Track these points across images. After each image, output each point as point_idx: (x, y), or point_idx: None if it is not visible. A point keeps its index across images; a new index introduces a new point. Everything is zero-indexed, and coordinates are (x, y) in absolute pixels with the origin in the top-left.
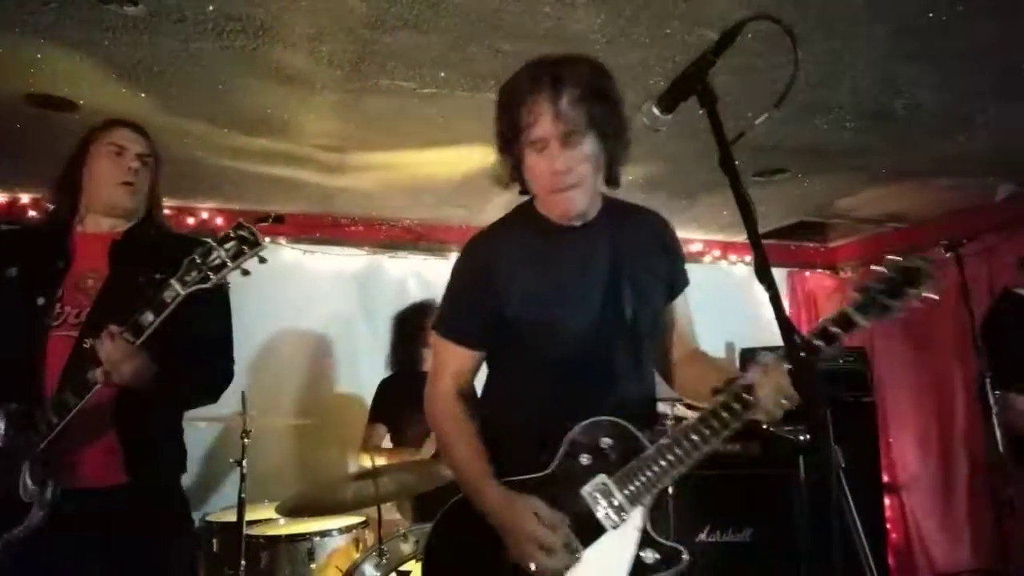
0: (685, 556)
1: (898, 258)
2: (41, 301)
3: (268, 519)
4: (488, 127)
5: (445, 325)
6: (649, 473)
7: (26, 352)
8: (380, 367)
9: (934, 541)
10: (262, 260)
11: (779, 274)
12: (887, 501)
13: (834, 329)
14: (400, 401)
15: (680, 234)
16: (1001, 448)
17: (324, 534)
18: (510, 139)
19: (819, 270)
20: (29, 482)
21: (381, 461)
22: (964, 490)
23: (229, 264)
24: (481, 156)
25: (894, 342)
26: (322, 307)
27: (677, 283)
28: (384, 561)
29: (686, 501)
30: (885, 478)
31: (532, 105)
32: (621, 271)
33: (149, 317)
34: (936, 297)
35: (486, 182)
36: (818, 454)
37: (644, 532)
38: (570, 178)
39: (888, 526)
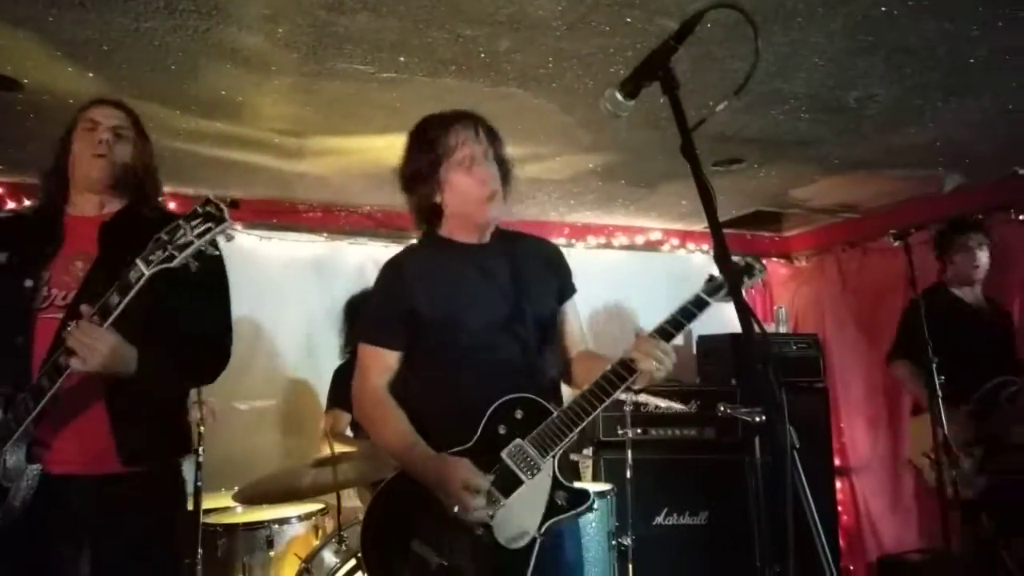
0: (591, 497)
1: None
2: (29, 284)
3: (225, 507)
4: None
5: (369, 332)
6: (555, 429)
7: (13, 335)
8: (338, 354)
9: (883, 523)
10: (229, 237)
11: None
12: (838, 484)
13: (693, 309)
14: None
15: (639, 223)
16: (945, 431)
17: (283, 522)
18: (427, 171)
19: (774, 259)
20: (8, 465)
21: (343, 448)
22: (911, 473)
23: (195, 242)
24: None
25: (846, 329)
26: (280, 294)
27: (565, 291)
28: (344, 548)
29: (643, 485)
30: (837, 462)
31: (458, 131)
32: (519, 280)
33: (115, 299)
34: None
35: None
36: (773, 434)
37: (555, 478)
38: (494, 184)
39: (839, 508)
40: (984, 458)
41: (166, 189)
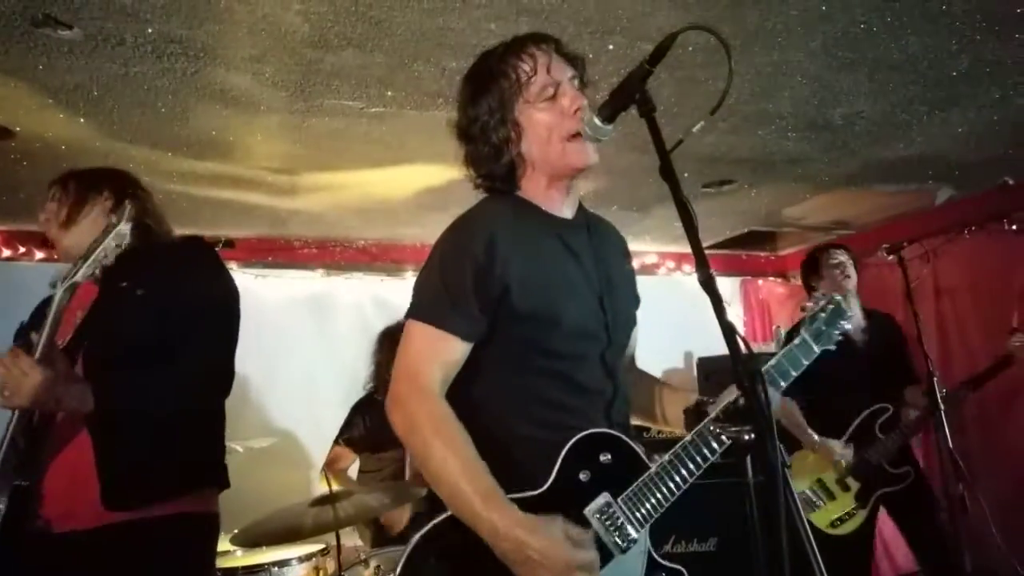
0: None
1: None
2: (35, 337)
3: (224, 551)
4: (439, 144)
5: (433, 310)
6: (658, 495)
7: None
8: (338, 390)
9: (896, 543)
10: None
11: (732, 283)
12: None
13: (802, 358)
14: (369, 427)
15: (633, 246)
16: (951, 445)
17: (283, 564)
18: (500, 109)
19: (771, 278)
20: None
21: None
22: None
23: (93, 253)
24: (432, 174)
25: None
26: (276, 331)
27: (638, 300)
28: None
29: None
30: None
31: (533, 56)
32: (606, 273)
33: (36, 334)
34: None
35: (439, 201)
36: (763, 453)
37: (650, 555)
38: (577, 122)
39: None
40: (859, 492)
41: None
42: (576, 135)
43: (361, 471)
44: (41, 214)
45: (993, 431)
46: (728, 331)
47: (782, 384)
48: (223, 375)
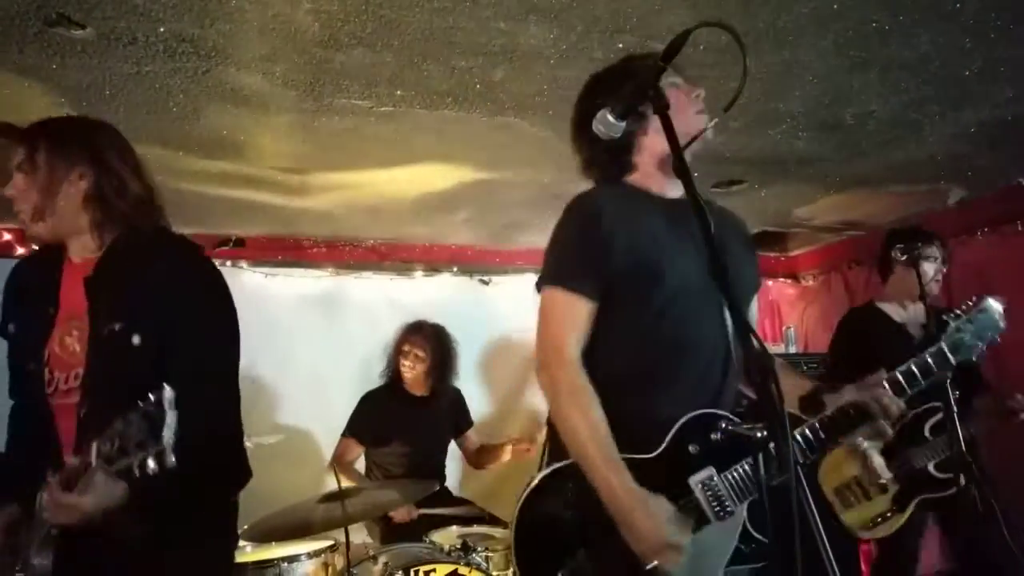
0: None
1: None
2: (32, 367)
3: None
4: (449, 144)
5: (560, 274)
6: (757, 476)
7: (42, 421)
8: (347, 388)
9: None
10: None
11: None
12: None
13: (934, 366)
14: (378, 418)
15: None
16: (963, 448)
17: (292, 559)
18: (645, 87)
19: (781, 279)
20: (36, 568)
21: (347, 482)
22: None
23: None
24: (442, 174)
25: None
26: (286, 329)
27: (758, 282)
28: None
29: None
30: None
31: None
32: (720, 253)
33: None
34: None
35: (448, 201)
36: (777, 450)
37: (744, 528)
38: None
39: None
40: (898, 495)
41: (173, 230)
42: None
43: (367, 469)
44: (6, 188)
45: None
46: (743, 329)
47: (908, 391)
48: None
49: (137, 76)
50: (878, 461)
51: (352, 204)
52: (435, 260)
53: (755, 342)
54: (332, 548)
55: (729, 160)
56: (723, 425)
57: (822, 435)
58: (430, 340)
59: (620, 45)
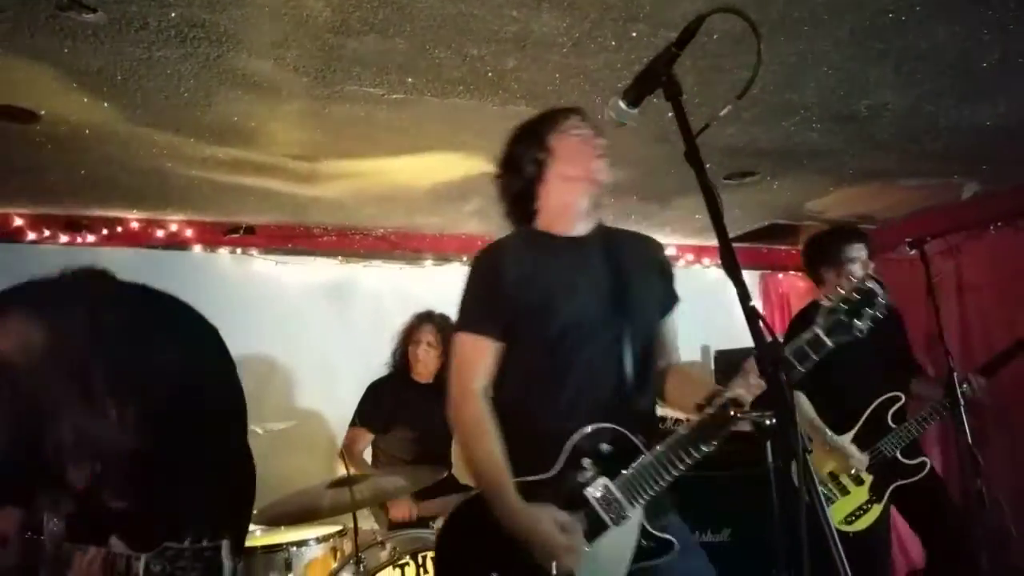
0: (676, 546)
1: (853, 284)
2: None
3: None
4: (460, 133)
5: (467, 320)
6: (646, 475)
7: None
8: (356, 376)
9: (911, 539)
10: None
11: (752, 276)
12: None
13: (810, 351)
14: (386, 405)
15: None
16: (969, 439)
17: (301, 544)
18: (531, 145)
19: (792, 272)
20: None
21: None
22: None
23: None
24: (452, 163)
25: None
26: (296, 317)
27: (669, 302)
28: (361, 570)
29: None
30: None
31: (569, 113)
32: (620, 277)
33: None
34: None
35: (458, 190)
36: (785, 438)
37: (642, 527)
38: (601, 151)
39: None
40: (873, 485)
41: (183, 217)
42: (600, 156)
43: (373, 456)
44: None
45: (1010, 425)
46: (751, 317)
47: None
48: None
49: (149, 61)
50: (853, 451)
51: (362, 193)
52: (445, 250)
53: (766, 333)
54: (341, 533)
55: (742, 152)
56: (612, 436)
57: (706, 433)
58: (441, 329)
59: (633, 34)
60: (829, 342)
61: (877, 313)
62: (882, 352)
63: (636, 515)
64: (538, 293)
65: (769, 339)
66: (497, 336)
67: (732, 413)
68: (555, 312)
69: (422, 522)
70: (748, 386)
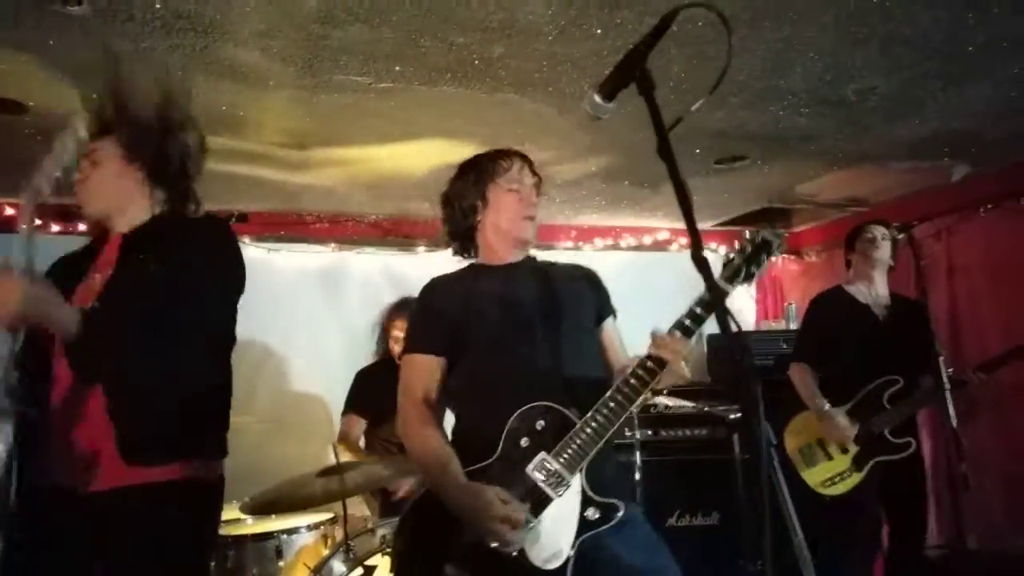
0: (621, 510)
1: (754, 231)
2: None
3: (235, 519)
4: (449, 120)
5: (410, 342)
6: (579, 442)
7: (47, 353)
8: (347, 364)
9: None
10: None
11: None
12: None
13: (710, 300)
14: (376, 392)
15: (645, 223)
16: (954, 425)
17: (292, 531)
18: (474, 187)
19: (784, 255)
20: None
21: (349, 457)
22: (928, 468)
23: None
24: (442, 150)
25: None
26: (288, 304)
27: (604, 310)
28: (351, 556)
29: (654, 488)
30: None
31: (512, 159)
32: (549, 289)
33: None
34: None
35: (449, 176)
36: (750, 430)
37: (584, 494)
38: (535, 211)
39: None
40: (857, 456)
41: None
42: (529, 217)
43: (366, 446)
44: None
45: (1002, 413)
46: (720, 311)
47: (690, 326)
48: (218, 332)
49: (135, 53)
50: (843, 421)
51: (354, 180)
52: (437, 236)
53: (732, 326)
54: (332, 521)
55: (731, 136)
56: (544, 412)
57: (626, 390)
58: None
59: (618, 21)
60: (729, 288)
61: (772, 258)
62: (900, 341)
63: (576, 484)
64: (470, 308)
65: (736, 330)
66: (434, 351)
67: (650, 365)
68: (486, 321)
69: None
70: (661, 344)
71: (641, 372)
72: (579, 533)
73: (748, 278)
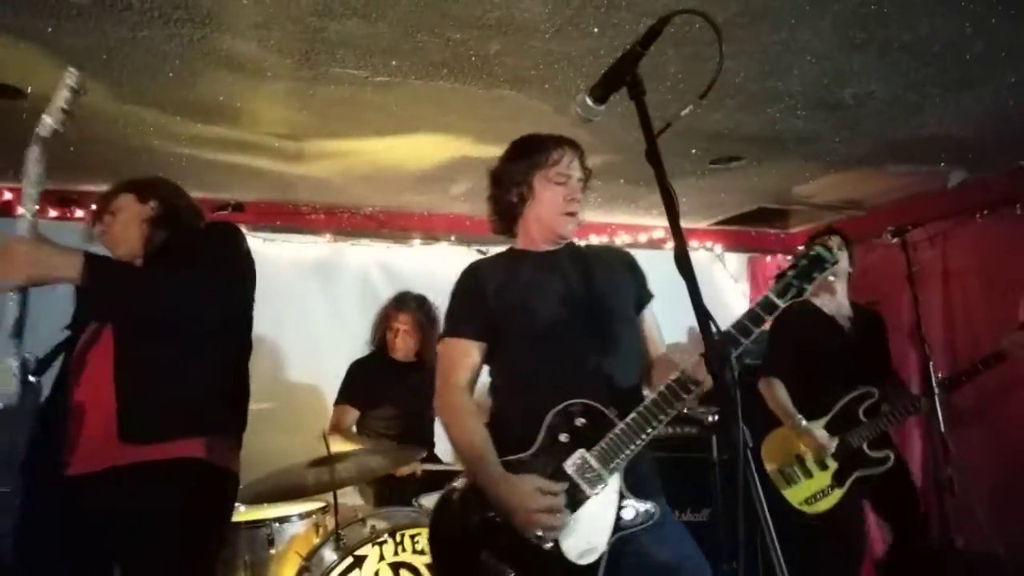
0: (657, 512)
1: (809, 244)
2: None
3: None
4: (445, 115)
5: (449, 325)
6: (618, 442)
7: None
8: (342, 354)
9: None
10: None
11: (740, 259)
12: None
13: (762, 313)
14: (369, 383)
15: (640, 221)
16: (942, 428)
17: (283, 520)
18: (521, 175)
19: (780, 255)
20: None
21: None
22: (916, 471)
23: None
24: (438, 144)
25: None
26: (283, 295)
27: (643, 296)
28: (341, 546)
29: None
30: None
31: (563, 149)
32: (591, 277)
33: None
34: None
35: (445, 170)
36: (727, 432)
37: (621, 494)
38: (575, 207)
39: None
40: (837, 472)
41: None
42: (570, 214)
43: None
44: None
45: (990, 419)
46: (702, 316)
47: (743, 341)
48: (226, 295)
49: (133, 41)
50: (821, 436)
51: (350, 172)
52: (433, 229)
53: (714, 331)
54: (323, 510)
55: (727, 137)
56: (584, 410)
57: (666, 397)
58: (414, 312)
59: (615, 21)
60: (780, 303)
61: (824, 275)
62: (864, 351)
63: (615, 483)
64: (512, 296)
65: (717, 335)
66: (475, 336)
67: (689, 380)
68: (529, 311)
69: (405, 500)
70: (696, 362)
71: (684, 380)
72: (614, 532)
73: (799, 294)
